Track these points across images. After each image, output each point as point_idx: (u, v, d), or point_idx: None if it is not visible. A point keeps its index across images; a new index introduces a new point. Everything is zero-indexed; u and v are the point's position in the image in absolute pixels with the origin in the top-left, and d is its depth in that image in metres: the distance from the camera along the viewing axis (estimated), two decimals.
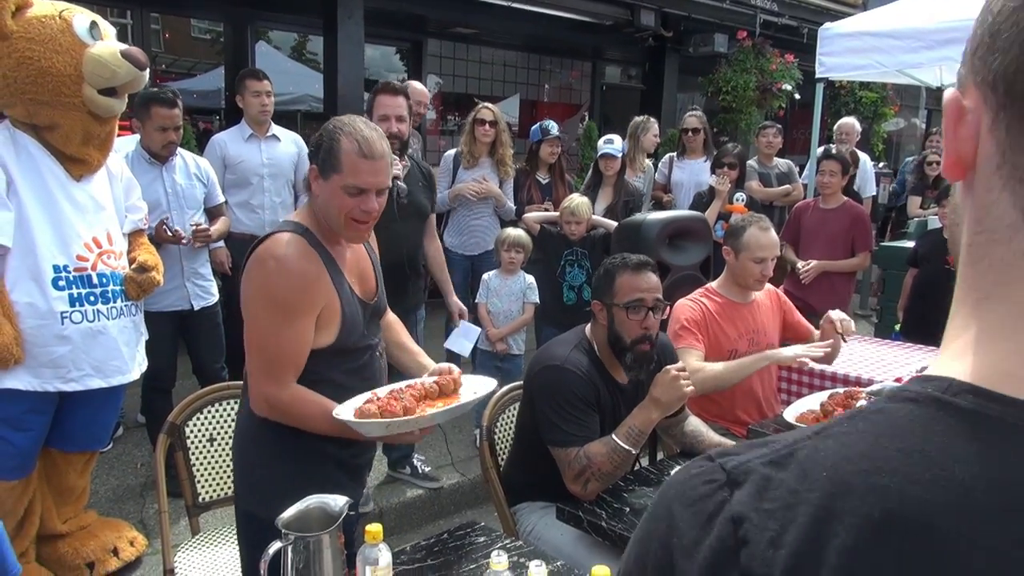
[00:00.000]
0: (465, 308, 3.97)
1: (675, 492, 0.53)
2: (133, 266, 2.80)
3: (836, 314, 2.99)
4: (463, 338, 3.92)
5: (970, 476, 0.43)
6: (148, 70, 2.69)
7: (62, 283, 2.55)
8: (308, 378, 1.90)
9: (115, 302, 2.70)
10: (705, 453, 0.55)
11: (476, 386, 2.08)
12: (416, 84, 4.87)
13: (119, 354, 2.71)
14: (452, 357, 4.58)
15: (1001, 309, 0.48)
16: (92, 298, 2.63)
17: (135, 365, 2.81)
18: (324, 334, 1.89)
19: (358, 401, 1.89)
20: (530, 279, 4.24)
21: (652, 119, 5.74)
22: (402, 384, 2.04)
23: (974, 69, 0.49)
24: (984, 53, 0.48)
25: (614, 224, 4.52)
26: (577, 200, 4.33)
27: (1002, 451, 0.44)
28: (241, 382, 2.66)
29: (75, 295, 2.58)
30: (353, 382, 1.97)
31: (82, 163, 2.65)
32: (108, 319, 2.67)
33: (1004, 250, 0.48)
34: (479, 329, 4.03)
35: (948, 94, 0.52)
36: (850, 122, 6.74)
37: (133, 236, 2.94)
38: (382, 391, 1.95)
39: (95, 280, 2.64)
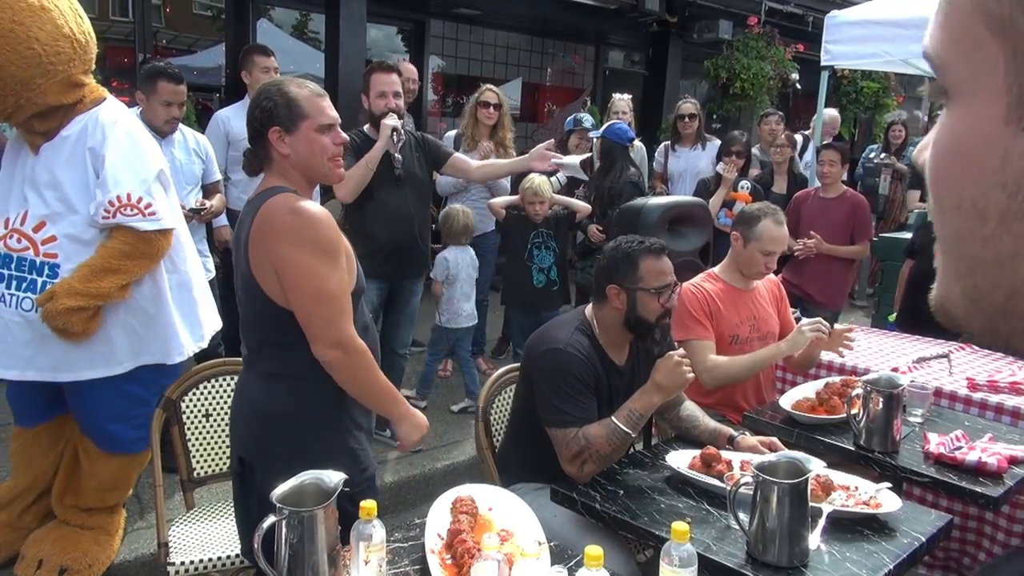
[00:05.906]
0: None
1: None
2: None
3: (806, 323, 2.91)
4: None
5: None
6: None
7: None
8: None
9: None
10: None
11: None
12: (407, 64, 4.91)
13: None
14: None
15: None
16: None
17: (24, 365, 2.42)
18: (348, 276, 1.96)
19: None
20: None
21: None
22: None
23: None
24: None
25: (578, 203, 4.52)
26: (538, 180, 4.29)
27: None
28: (239, 359, 2.67)
29: None
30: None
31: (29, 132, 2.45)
32: None
33: None
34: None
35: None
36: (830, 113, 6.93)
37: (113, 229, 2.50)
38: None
39: None
